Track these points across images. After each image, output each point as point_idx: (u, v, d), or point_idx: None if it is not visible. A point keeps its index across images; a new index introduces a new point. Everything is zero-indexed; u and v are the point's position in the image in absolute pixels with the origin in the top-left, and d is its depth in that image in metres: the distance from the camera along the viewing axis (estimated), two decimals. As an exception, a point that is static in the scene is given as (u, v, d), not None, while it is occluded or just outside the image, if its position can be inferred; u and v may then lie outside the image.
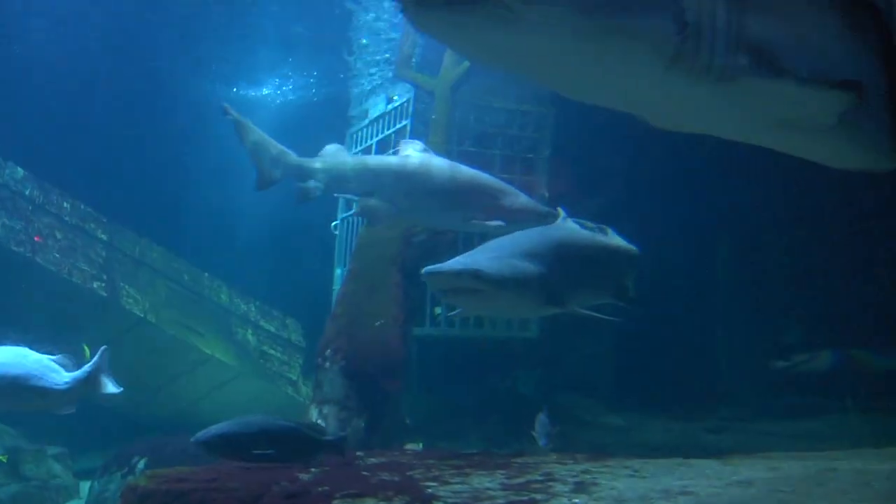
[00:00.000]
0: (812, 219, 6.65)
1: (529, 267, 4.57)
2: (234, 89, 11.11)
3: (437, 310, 6.76)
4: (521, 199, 5.69)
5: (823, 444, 4.78)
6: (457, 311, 5.26)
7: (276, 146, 5.84)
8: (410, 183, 5.63)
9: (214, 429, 4.48)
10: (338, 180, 5.77)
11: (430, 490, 3.70)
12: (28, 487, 7.74)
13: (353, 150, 7.81)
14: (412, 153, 5.75)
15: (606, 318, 4.78)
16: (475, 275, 4.37)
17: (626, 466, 4.22)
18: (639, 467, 4.18)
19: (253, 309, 9.55)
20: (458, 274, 4.41)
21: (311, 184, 5.77)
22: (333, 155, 5.82)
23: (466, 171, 5.81)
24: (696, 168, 6.60)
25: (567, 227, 5.17)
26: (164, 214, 9.71)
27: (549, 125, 7.08)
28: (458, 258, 4.64)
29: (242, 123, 5.74)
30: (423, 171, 5.69)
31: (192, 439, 4.47)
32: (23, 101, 9.38)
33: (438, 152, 6.04)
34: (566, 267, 4.74)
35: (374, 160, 5.98)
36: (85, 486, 7.82)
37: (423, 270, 4.50)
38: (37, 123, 9.28)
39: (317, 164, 5.79)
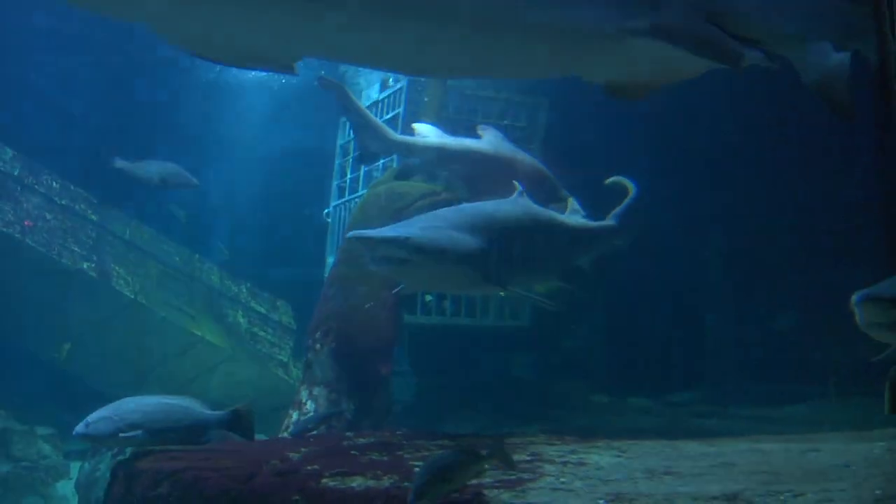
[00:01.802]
0: (804, 204, 6.71)
1: (467, 240, 4.34)
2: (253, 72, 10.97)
3: (428, 297, 6.78)
4: (561, 188, 5.80)
5: (806, 428, 4.86)
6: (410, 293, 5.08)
7: (377, 122, 5.87)
8: (504, 169, 5.64)
9: (90, 419, 4.43)
10: (441, 160, 5.79)
11: (418, 469, 3.75)
12: (17, 468, 7.75)
13: (345, 139, 7.80)
14: (494, 139, 5.78)
15: (541, 300, 4.67)
16: (403, 243, 4.16)
17: (612, 447, 4.29)
18: (625, 448, 4.25)
19: (244, 291, 9.56)
20: (386, 241, 4.21)
21: (414, 161, 5.79)
22: (436, 135, 5.82)
23: (537, 162, 5.90)
24: (688, 153, 6.64)
25: (522, 202, 4.96)
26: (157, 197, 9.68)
27: (543, 116, 7.08)
28: (392, 225, 4.45)
29: (346, 94, 5.73)
30: (511, 159, 5.73)
31: (74, 433, 4.45)
32: (12, 80, 9.30)
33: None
34: (510, 244, 4.53)
35: (475, 143, 5.93)
36: (75, 467, 7.84)
37: (349, 234, 4.36)
38: (29, 104, 9.20)
39: (421, 142, 5.77)
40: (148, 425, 4.34)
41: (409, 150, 5.81)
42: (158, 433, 4.36)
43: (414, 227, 4.33)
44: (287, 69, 2.51)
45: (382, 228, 4.37)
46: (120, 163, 8.33)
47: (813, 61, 2.90)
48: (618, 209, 5.55)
